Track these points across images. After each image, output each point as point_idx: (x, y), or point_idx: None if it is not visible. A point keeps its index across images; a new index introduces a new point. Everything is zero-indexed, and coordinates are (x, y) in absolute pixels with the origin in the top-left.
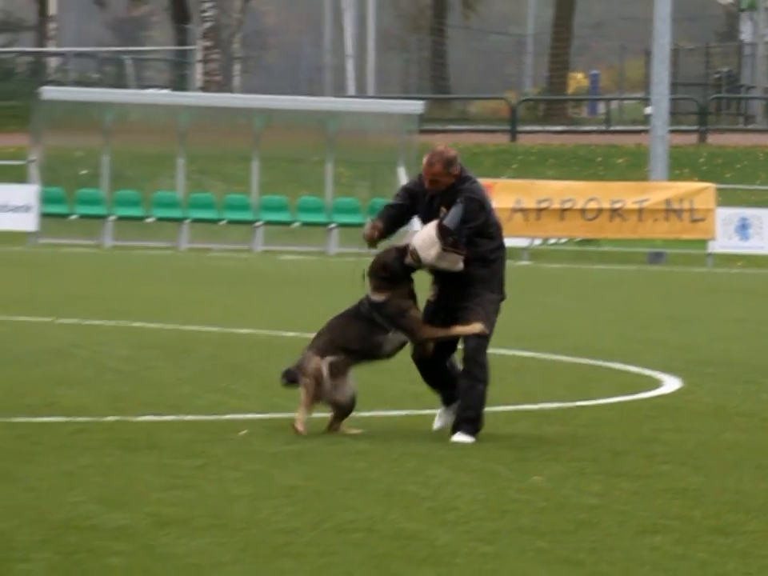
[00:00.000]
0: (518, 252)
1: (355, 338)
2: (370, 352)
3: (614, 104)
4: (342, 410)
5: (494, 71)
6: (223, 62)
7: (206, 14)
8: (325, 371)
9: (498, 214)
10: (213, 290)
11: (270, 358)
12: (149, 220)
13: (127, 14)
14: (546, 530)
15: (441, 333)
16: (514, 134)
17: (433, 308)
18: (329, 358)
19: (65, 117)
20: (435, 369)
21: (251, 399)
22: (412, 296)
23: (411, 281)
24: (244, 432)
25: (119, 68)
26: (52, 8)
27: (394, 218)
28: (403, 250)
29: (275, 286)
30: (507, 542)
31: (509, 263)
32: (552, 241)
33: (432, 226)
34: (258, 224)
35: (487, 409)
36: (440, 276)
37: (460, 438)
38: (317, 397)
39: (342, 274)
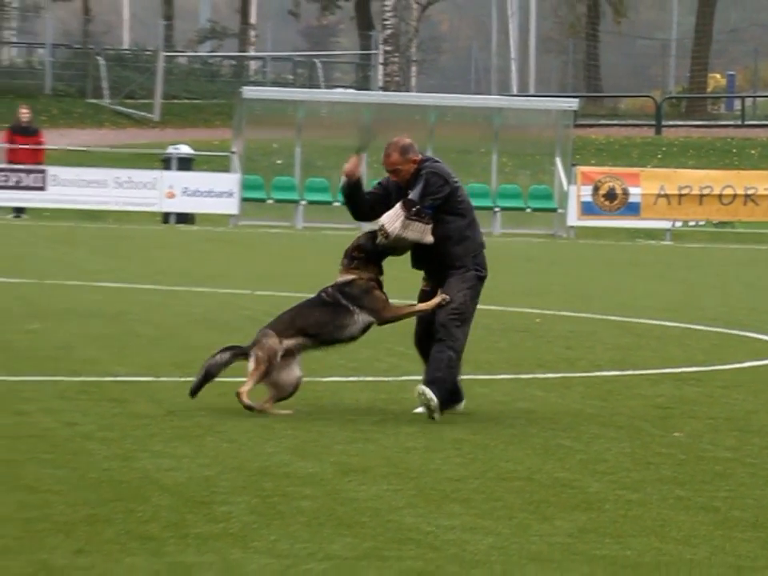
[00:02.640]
0: (662, 233)
1: (316, 324)
2: (331, 336)
3: (749, 101)
4: (282, 395)
5: (641, 72)
6: (402, 65)
7: (387, 22)
8: (279, 353)
9: (647, 199)
10: (393, 267)
11: None
12: (335, 204)
13: (318, 22)
14: (685, 480)
15: (405, 311)
16: (658, 128)
17: (425, 294)
18: (286, 342)
19: (263, 113)
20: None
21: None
22: (378, 283)
23: (380, 269)
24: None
25: (311, 70)
26: (253, 17)
27: (368, 201)
28: (375, 233)
29: None
30: (650, 490)
31: (653, 243)
32: (692, 223)
33: (398, 203)
34: None
35: (633, 372)
36: (422, 260)
37: (426, 389)
38: (266, 374)
39: (504, 252)
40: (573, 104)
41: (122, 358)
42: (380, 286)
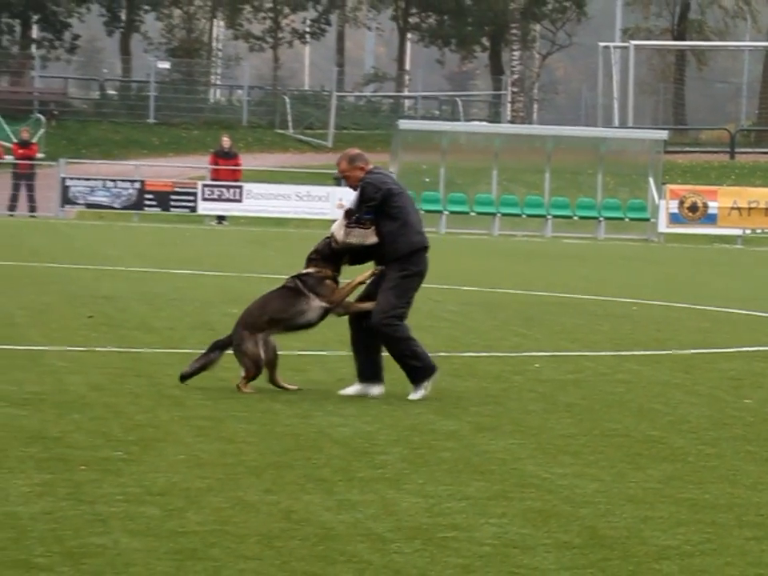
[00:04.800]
0: (734, 238)
1: (280, 309)
2: (294, 320)
3: None
4: (273, 366)
5: (719, 109)
6: (526, 103)
7: (514, 69)
8: (261, 350)
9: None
10: (516, 264)
11: (557, 313)
12: (471, 214)
13: (459, 68)
14: (753, 438)
15: (347, 288)
16: (732, 154)
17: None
18: (261, 335)
19: (414, 141)
20: (362, 338)
21: (543, 342)
22: (334, 280)
23: (338, 268)
24: (537, 365)
25: (453, 107)
26: (407, 65)
27: None
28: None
29: (559, 260)
30: (725, 446)
31: (727, 247)
32: (759, 230)
33: (342, 213)
34: (548, 217)
35: (712, 350)
36: (361, 258)
37: (412, 396)
38: (256, 376)
39: (606, 253)
40: (663, 134)
41: (299, 335)
42: (334, 280)
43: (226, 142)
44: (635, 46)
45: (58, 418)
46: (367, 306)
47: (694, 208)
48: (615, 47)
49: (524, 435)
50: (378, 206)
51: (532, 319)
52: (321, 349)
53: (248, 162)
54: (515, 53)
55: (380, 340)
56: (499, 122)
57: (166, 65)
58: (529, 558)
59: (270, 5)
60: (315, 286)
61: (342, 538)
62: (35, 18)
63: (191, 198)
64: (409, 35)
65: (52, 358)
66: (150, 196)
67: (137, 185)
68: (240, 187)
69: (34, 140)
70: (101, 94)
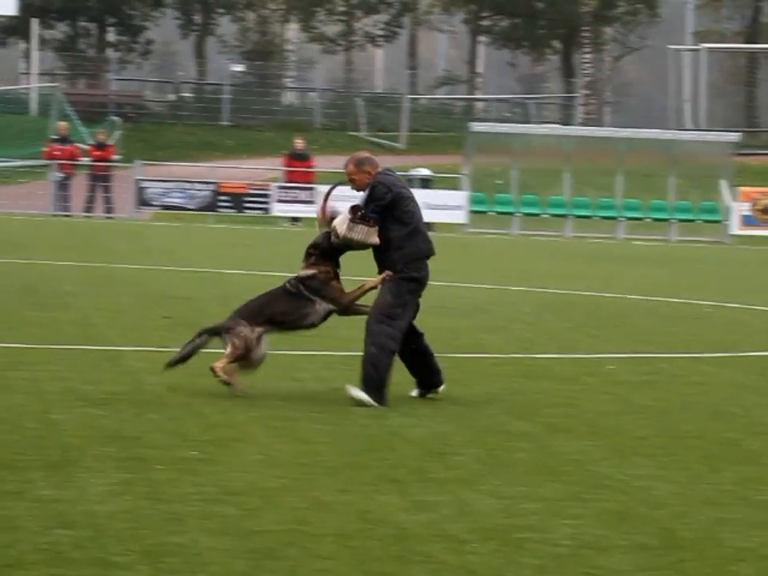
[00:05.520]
0: None
1: (282, 313)
2: (294, 323)
3: None
4: (249, 368)
5: None
6: (598, 105)
7: (586, 71)
8: (254, 341)
9: None
10: (589, 266)
11: (630, 314)
12: (543, 216)
13: (530, 71)
14: None
15: (357, 292)
16: None
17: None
18: (258, 329)
19: (487, 143)
20: (412, 356)
21: (617, 344)
22: (336, 276)
23: (337, 263)
24: (611, 367)
25: (524, 109)
26: (480, 67)
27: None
28: (330, 233)
29: (632, 262)
30: None
31: None
32: None
33: (347, 208)
34: (620, 219)
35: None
36: (376, 260)
37: (355, 392)
38: (241, 357)
39: (678, 255)
40: (734, 137)
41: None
42: (336, 277)
43: (299, 143)
44: (707, 48)
45: (136, 418)
46: (367, 287)
47: (766, 210)
48: (686, 50)
49: (598, 437)
50: (386, 207)
51: (605, 321)
52: None
53: (321, 163)
54: (587, 55)
55: (365, 334)
56: (571, 124)
57: (240, 67)
58: (604, 559)
59: (344, 8)
60: (321, 288)
61: (418, 538)
62: (111, 21)
63: (265, 199)
64: (481, 38)
65: (129, 359)
66: (225, 197)
67: (211, 186)
68: (313, 189)
69: (110, 142)
70: (176, 96)
